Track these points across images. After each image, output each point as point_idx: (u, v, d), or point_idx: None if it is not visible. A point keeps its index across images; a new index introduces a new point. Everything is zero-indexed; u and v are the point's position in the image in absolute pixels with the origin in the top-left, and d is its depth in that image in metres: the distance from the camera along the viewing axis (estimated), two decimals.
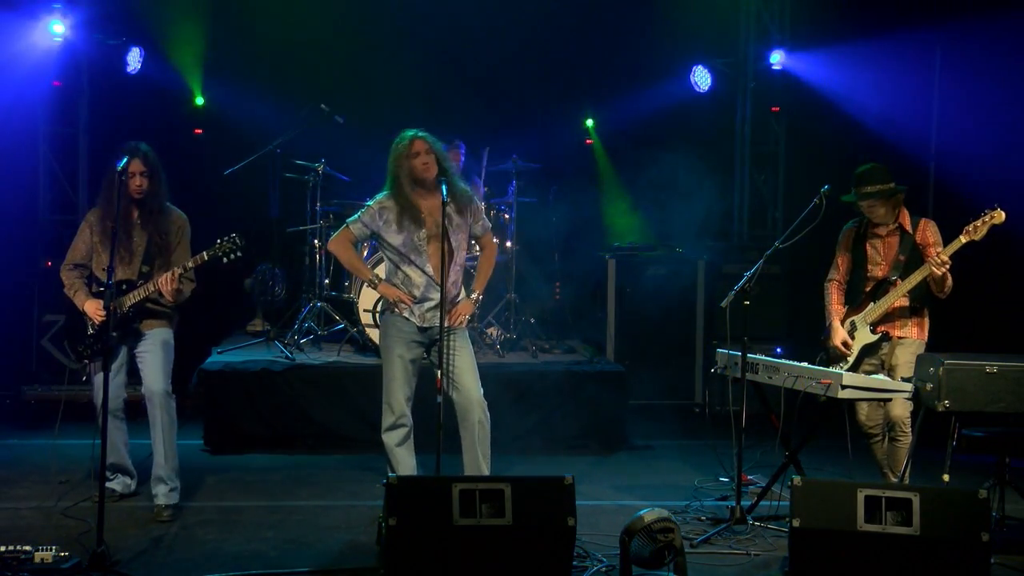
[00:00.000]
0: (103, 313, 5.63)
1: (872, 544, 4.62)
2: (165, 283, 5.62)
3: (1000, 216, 5.59)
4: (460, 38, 9.48)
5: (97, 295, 5.77)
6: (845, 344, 6.00)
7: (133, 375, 5.92)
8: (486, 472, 5.69)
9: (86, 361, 5.86)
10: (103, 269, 5.67)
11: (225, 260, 5.68)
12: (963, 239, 5.66)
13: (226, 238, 5.66)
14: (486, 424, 5.73)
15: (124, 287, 5.71)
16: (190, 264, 5.68)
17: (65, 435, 6.29)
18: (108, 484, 5.86)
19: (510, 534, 4.59)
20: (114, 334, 5.66)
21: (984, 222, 5.61)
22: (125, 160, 5.45)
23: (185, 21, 9.27)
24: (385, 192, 5.79)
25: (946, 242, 5.92)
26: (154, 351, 5.80)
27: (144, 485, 5.99)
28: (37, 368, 8.57)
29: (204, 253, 5.69)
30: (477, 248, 6.16)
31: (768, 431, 6.41)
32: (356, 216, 5.87)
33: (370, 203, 5.83)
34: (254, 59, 9.33)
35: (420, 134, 5.75)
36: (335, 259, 8.38)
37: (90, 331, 5.80)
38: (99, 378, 5.61)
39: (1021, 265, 8.02)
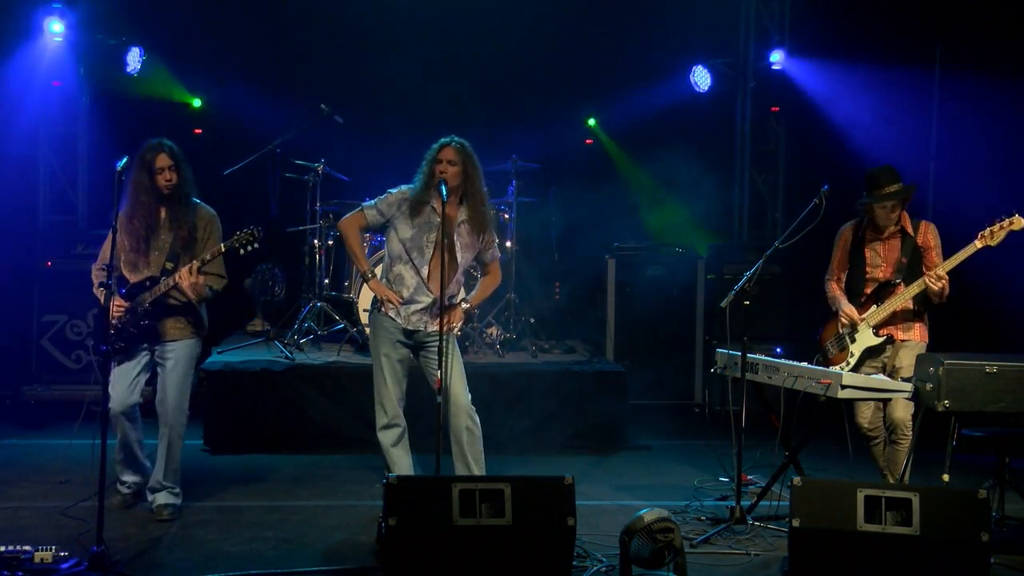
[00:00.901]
0: (119, 308, 5.59)
1: (872, 544, 4.62)
2: (183, 278, 5.55)
3: (1019, 222, 5.59)
4: (460, 38, 9.48)
5: (121, 294, 5.67)
6: (851, 316, 5.99)
7: (152, 376, 5.85)
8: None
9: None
10: (127, 266, 5.67)
11: (242, 252, 5.65)
12: (978, 244, 5.65)
13: (244, 230, 5.62)
14: (475, 430, 5.71)
15: (148, 283, 5.66)
16: (207, 256, 5.62)
17: (66, 435, 6.28)
18: (119, 488, 5.86)
19: (510, 534, 4.59)
20: (134, 331, 5.65)
21: (1001, 227, 5.60)
22: (125, 160, 5.34)
23: (184, 21, 9.26)
24: (413, 185, 5.75)
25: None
26: (177, 368, 5.73)
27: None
28: (37, 368, 8.57)
29: (221, 244, 5.65)
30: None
31: (768, 431, 6.41)
32: (374, 202, 5.81)
33: (393, 191, 5.78)
34: (254, 59, 9.33)
35: (453, 142, 5.72)
36: (335, 257, 8.46)
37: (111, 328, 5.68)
38: (114, 375, 5.60)
39: (1021, 265, 8.02)
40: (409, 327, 5.74)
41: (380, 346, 5.77)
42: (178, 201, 5.72)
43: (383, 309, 5.74)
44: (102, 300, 5.67)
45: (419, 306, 5.72)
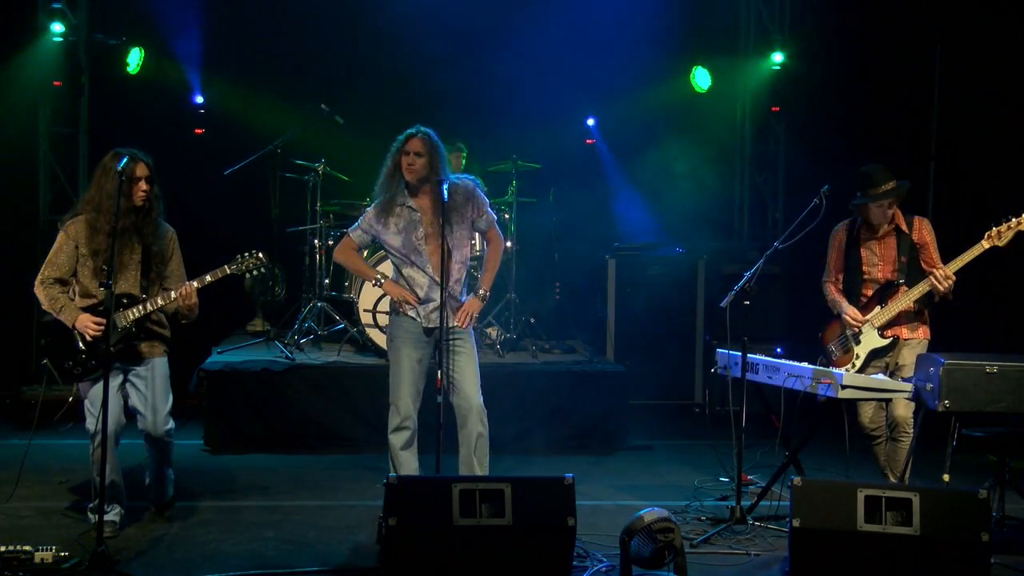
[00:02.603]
0: (98, 326, 5.27)
1: (872, 544, 4.62)
2: (184, 297, 5.37)
3: None
4: (460, 38, 9.47)
5: (88, 308, 5.38)
6: (855, 318, 5.98)
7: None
8: None
9: (75, 382, 5.48)
10: (90, 281, 5.38)
11: (247, 276, 5.55)
12: (985, 244, 5.62)
13: (248, 253, 5.47)
14: (484, 434, 5.67)
15: (125, 301, 5.41)
16: (208, 278, 5.44)
17: (66, 435, 6.28)
18: (108, 518, 5.39)
19: (510, 534, 4.59)
20: (112, 349, 5.28)
21: (1009, 227, 5.58)
22: (125, 160, 5.23)
23: (185, 21, 9.26)
24: (375, 192, 5.75)
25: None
26: (159, 383, 5.53)
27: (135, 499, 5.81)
28: (37, 368, 8.56)
29: (226, 267, 5.46)
30: (478, 248, 6.11)
31: (768, 431, 6.41)
32: (356, 224, 5.84)
33: (368, 209, 5.80)
34: (254, 59, 9.33)
35: (419, 133, 5.66)
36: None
37: (81, 347, 5.37)
38: (92, 395, 5.32)
39: (1021, 265, 8.02)
40: (430, 325, 5.70)
41: (401, 347, 5.72)
42: (149, 216, 5.47)
43: (402, 310, 5.73)
44: (64, 319, 5.36)
45: (436, 303, 5.65)
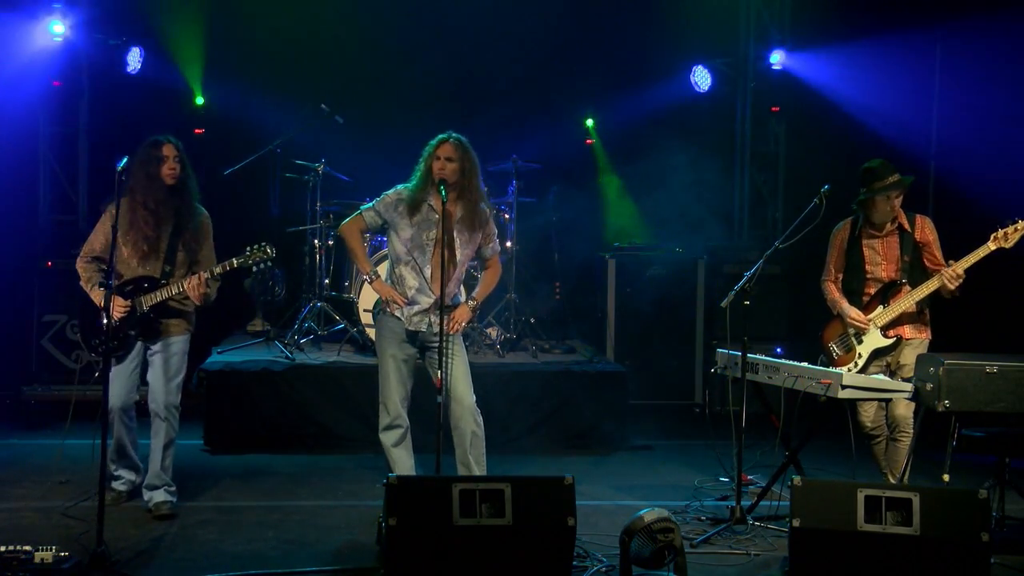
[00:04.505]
0: (122, 308, 5.59)
1: (872, 544, 4.62)
2: (193, 288, 5.60)
3: None
4: (460, 38, 9.48)
5: (116, 288, 5.64)
6: (860, 320, 5.97)
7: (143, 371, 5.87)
8: None
9: (98, 357, 5.75)
10: (124, 263, 5.65)
11: (255, 268, 5.70)
12: (991, 246, 5.63)
13: (256, 247, 5.66)
14: (479, 432, 5.71)
15: (146, 285, 5.65)
16: (217, 270, 5.67)
17: (67, 435, 6.26)
18: (114, 485, 5.86)
19: (510, 534, 4.59)
20: (132, 332, 5.66)
21: (1016, 229, 5.58)
22: (125, 160, 5.27)
23: (185, 21, 9.26)
24: (409, 184, 5.76)
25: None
26: (172, 364, 5.75)
27: (136, 498, 5.91)
28: (37, 368, 8.56)
29: (233, 260, 5.67)
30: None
31: (768, 431, 6.41)
32: (371, 204, 5.83)
33: (389, 192, 5.80)
34: (254, 59, 9.33)
35: (451, 138, 5.71)
36: (335, 257, 8.46)
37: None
38: (113, 372, 5.57)
39: (1021, 265, 8.02)
40: (411, 328, 5.74)
41: (386, 347, 5.76)
42: (182, 198, 5.71)
43: (388, 309, 5.75)
44: (93, 297, 5.69)
45: (421, 307, 5.72)
